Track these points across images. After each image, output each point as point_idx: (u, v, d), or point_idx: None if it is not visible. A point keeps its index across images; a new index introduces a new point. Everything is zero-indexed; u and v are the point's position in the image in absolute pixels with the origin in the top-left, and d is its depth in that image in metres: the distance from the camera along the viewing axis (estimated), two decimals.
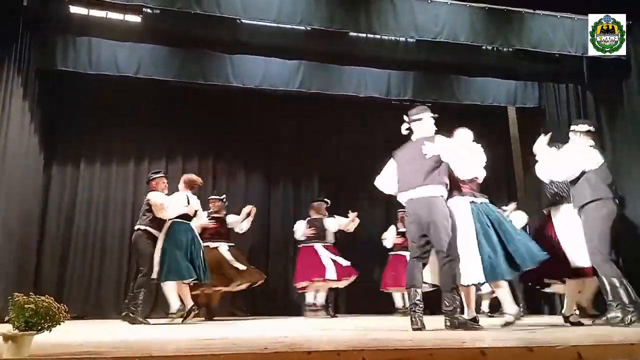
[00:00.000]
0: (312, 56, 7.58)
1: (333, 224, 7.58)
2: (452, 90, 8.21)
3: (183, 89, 7.95)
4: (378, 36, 7.30)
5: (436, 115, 4.68)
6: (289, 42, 7.25)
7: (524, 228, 5.84)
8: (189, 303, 5.84)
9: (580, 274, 4.68)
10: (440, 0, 6.64)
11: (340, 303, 8.10)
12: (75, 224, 7.65)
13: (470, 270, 4.03)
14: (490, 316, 7.16)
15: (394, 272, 7.67)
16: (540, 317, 6.88)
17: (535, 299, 8.15)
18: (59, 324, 2.31)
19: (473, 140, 4.57)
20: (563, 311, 5.00)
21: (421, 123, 4.67)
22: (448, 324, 4.00)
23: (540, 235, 4.89)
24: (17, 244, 6.45)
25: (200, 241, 6.23)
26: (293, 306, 7.89)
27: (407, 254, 7.43)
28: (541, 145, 4.78)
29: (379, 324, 5.67)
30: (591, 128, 4.88)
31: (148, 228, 5.95)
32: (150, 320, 6.02)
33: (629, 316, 4.08)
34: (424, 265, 4.22)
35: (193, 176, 6.42)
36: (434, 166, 4.25)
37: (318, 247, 7.38)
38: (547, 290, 5.51)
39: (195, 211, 6.23)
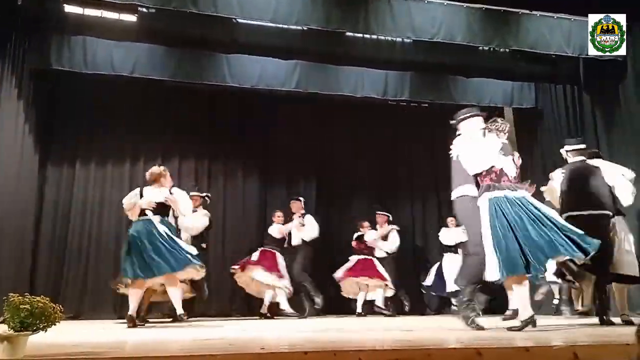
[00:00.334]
0: (309, 56, 7.57)
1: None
2: (449, 90, 8.22)
3: (179, 88, 7.94)
4: (375, 36, 7.30)
5: (483, 114, 4.68)
6: (286, 42, 7.24)
7: None
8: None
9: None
10: (437, 1, 6.63)
11: (341, 304, 8.06)
12: (71, 224, 7.62)
13: (489, 267, 3.98)
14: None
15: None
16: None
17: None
18: (55, 325, 2.30)
19: (485, 128, 4.44)
20: (582, 307, 5.07)
21: (466, 123, 4.57)
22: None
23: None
24: (12, 245, 6.42)
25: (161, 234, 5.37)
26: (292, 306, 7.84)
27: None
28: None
29: (376, 324, 5.67)
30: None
31: None
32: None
33: None
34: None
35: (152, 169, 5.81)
36: (459, 167, 4.31)
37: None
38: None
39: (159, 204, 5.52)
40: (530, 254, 3.80)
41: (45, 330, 2.27)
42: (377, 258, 7.83)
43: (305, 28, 6.86)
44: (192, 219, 6.44)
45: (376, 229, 8.04)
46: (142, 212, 5.33)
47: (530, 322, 3.85)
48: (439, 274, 7.98)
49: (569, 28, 6.89)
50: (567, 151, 5.29)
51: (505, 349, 2.49)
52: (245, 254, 7.54)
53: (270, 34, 7.12)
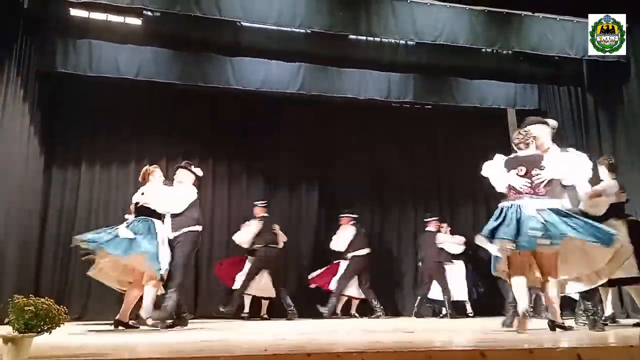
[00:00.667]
0: (313, 59, 7.59)
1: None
2: (451, 92, 8.23)
3: (183, 91, 7.96)
4: (378, 39, 7.32)
5: (551, 122, 4.79)
6: (289, 45, 7.27)
7: None
8: None
9: None
10: (439, 3, 6.64)
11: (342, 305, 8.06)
12: (76, 226, 7.63)
13: None
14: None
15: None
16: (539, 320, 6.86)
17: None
18: (59, 326, 2.31)
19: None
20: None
21: (536, 130, 4.63)
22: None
23: None
24: (17, 246, 6.45)
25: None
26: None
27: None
28: None
29: (380, 326, 5.67)
30: None
31: None
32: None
33: None
34: None
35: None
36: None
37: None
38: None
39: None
40: None
41: (50, 332, 2.28)
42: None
43: (308, 31, 6.89)
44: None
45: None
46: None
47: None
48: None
49: (572, 29, 6.88)
50: None
51: (508, 351, 2.49)
52: (246, 257, 7.58)
53: (273, 37, 7.15)
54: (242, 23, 6.86)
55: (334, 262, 7.96)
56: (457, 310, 7.82)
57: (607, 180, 5.06)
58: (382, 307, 7.70)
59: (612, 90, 7.31)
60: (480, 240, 4.13)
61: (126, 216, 5.80)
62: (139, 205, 5.34)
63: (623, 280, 4.77)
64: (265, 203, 7.78)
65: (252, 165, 8.67)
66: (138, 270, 5.20)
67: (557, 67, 7.70)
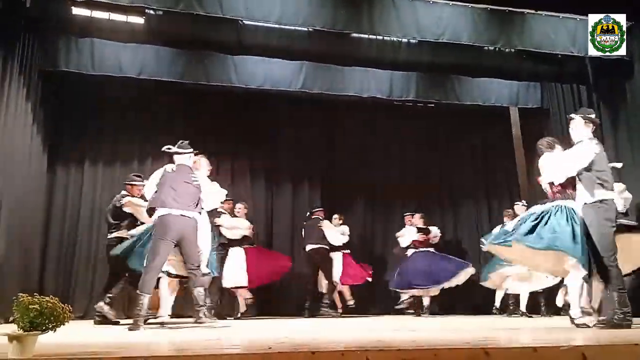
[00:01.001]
0: (315, 57, 7.60)
1: None
2: (454, 90, 8.23)
3: (185, 90, 7.97)
4: (380, 37, 7.32)
5: (590, 117, 4.68)
6: (292, 43, 7.27)
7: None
8: None
9: None
10: (442, 2, 6.64)
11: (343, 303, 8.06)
12: (80, 225, 7.66)
13: None
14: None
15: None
16: (544, 318, 6.87)
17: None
18: (63, 324, 2.31)
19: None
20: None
21: (572, 124, 4.69)
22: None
23: None
24: (21, 245, 6.46)
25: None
26: (294, 306, 7.85)
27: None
28: None
29: (384, 324, 5.67)
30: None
31: None
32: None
33: None
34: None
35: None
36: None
37: None
38: None
39: None
40: None
41: (54, 330, 2.28)
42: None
43: (310, 29, 6.89)
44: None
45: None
46: None
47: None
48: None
49: (574, 27, 6.87)
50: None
51: (513, 349, 2.49)
52: None
53: (276, 35, 7.16)
54: (244, 21, 6.87)
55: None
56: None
57: None
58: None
59: (615, 88, 7.30)
60: None
61: None
62: None
63: None
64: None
65: (255, 163, 8.68)
66: None
67: (560, 65, 7.69)
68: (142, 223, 5.64)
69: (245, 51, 7.42)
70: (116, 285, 5.82)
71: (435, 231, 7.96)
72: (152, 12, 6.70)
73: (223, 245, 6.88)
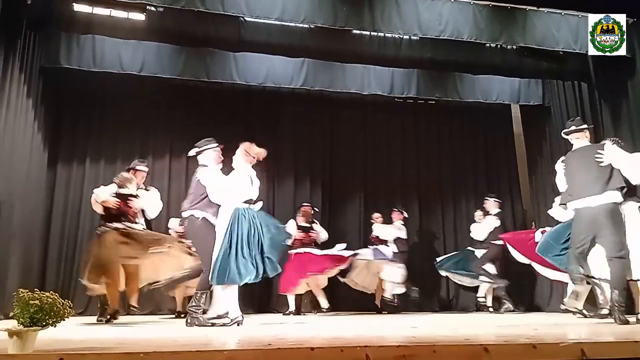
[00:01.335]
0: (316, 54, 7.58)
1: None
2: (455, 87, 8.22)
3: (187, 87, 7.96)
4: (382, 34, 7.31)
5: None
6: (293, 40, 7.26)
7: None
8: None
9: None
10: None
11: (345, 302, 8.06)
12: (81, 221, 7.66)
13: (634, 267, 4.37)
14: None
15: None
16: (543, 315, 6.87)
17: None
18: (64, 320, 2.32)
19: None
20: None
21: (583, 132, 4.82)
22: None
23: None
24: (22, 241, 6.47)
25: None
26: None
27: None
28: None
29: (383, 321, 5.68)
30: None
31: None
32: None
33: None
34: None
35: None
36: (610, 174, 4.51)
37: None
38: None
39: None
40: None
41: (55, 326, 2.29)
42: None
43: (312, 26, 6.88)
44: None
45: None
46: None
47: None
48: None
49: (576, 24, 6.85)
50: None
51: (512, 346, 2.49)
52: None
53: (277, 32, 7.15)
54: (245, 18, 6.86)
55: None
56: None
57: None
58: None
59: (617, 86, 7.28)
60: None
61: None
62: None
63: None
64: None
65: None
66: None
67: (562, 62, 7.67)
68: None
69: (246, 48, 7.40)
70: None
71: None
72: (153, 8, 6.69)
73: None
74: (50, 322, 2.26)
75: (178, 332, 3.88)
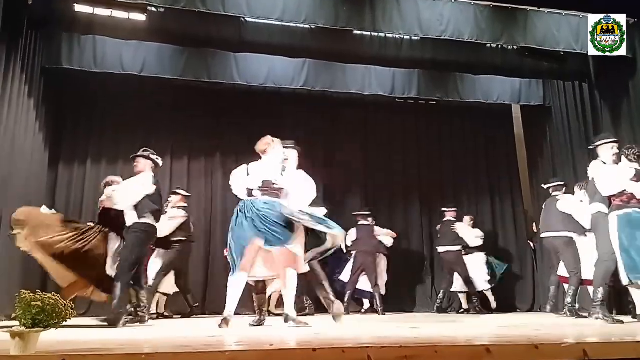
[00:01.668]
0: (317, 54, 7.59)
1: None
2: (456, 88, 8.22)
3: (188, 87, 7.97)
4: (382, 34, 7.31)
5: (618, 141, 5.14)
6: (294, 41, 7.26)
7: None
8: None
9: None
10: None
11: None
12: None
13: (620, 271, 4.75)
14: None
15: None
16: (546, 316, 6.87)
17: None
18: (66, 321, 2.32)
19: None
20: None
21: (602, 148, 5.08)
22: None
23: None
24: None
25: None
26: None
27: None
28: None
29: (385, 321, 5.67)
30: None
31: None
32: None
33: None
34: None
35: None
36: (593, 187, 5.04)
37: None
38: None
39: None
40: None
41: (57, 327, 2.29)
42: None
43: (313, 26, 6.89)
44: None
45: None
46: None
47: None
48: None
49: (577, 25, 6.86)
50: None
51: (514, 346, 2.49)
52: None
53: (278, 32, 7.16)
54: (246, 19, 6.86)
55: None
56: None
57: None
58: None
59: (618, 86, 7.29)
60: None
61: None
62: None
63: None
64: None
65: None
66: None
67: (562, 62, 7.67)
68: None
69: (247, 49, 7.41)
70: None
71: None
72: (154, 9, 6.70)
73: None
74: (52, 323, 2.26)
75: (180, 333, 3.88)
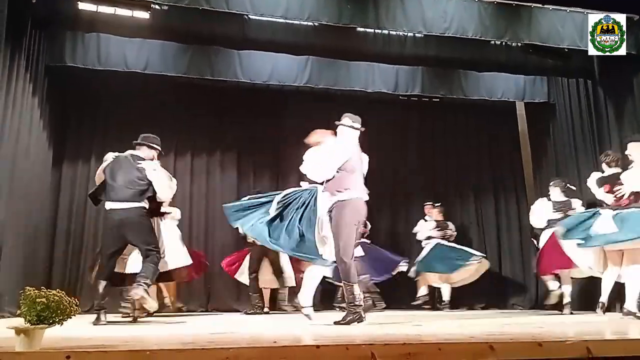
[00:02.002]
0: (320, 52, 7.58)
1: None
2: (460, 85, 8.18)
3: (191, 85, 7.97)
4: (386, 31, 7.31)
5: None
6: (297, 38, 7.27)
7: None
8: None
9: None
10: None
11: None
12: (87, 219, 7.68)
13: None
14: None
15: None
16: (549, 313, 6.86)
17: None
18: (70, 318, 2.33)
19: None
20: None
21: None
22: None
23: None
24: (28, 240, 6.50)
25: None
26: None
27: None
28: None
29: (389, 318, 5.67)
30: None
31: None
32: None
33: None
34: None
35: None
36: None
37: None
38: None
39: None
40: None
41: (61, 324, 2.30)
42: None
43: (316, 24, 6.89)
44: None
45: None
46: None
47: None
48: None
49: (581, 21, 6.82)
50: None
51: (518, 343, 2.49)
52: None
53: (281, 30, 7.16)
54: (249, 16, 6.87)
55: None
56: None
57: None
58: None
59: (622, 83, 7.26)
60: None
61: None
62: None
63: None
64: None
65: (260, 158, 8.67)
66: None
67: (567, 59, 7.64)
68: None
69: (250, 46, 7.40)
70: None
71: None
72: (157, 7, 6.71)
73: None
74: (57, 320, 2.27)
75: (184, 330, 3.89)
